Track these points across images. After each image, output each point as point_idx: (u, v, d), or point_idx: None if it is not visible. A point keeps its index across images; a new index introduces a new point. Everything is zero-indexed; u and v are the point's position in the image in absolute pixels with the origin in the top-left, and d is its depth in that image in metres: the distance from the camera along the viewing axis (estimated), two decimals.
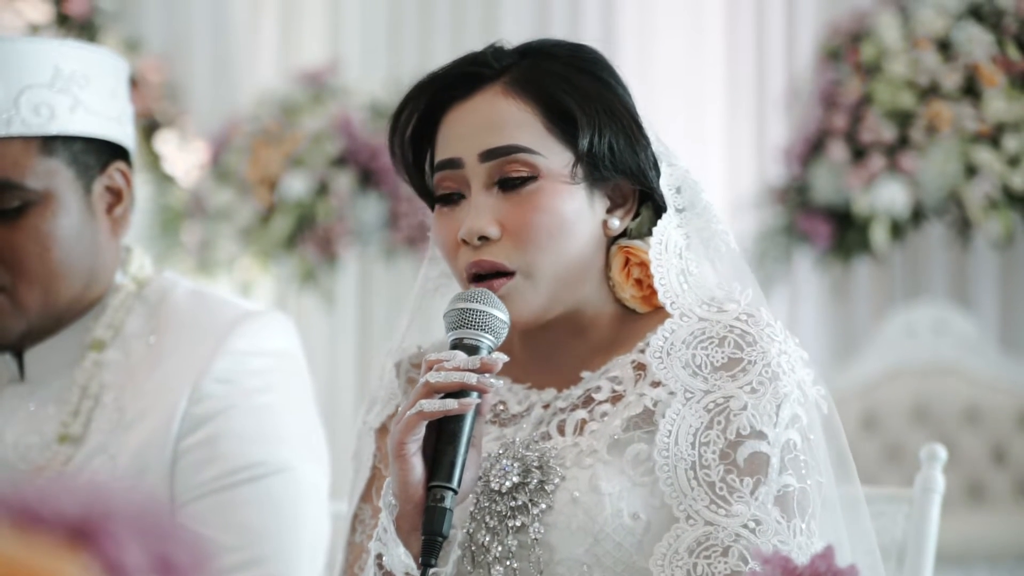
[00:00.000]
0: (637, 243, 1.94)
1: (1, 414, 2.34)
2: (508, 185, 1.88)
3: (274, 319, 2.37)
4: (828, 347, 6.18)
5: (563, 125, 1.89)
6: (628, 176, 1.92)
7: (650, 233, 1.93)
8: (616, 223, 1.93)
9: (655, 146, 1.94)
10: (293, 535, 2.27)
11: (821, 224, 5.81)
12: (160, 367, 2.30)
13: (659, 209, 1.94)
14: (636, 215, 1.95)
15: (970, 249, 5.89)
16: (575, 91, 1.90)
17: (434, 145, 1.94)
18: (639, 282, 1.94)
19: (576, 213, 1.89)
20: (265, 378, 2.31)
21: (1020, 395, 5.58)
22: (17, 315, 2.28)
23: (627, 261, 1.94)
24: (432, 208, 1.96)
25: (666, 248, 1.90)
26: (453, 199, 1.91)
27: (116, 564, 0.90)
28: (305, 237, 6.36)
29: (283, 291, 6.72)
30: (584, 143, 1.88)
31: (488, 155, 1.88)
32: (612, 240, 1.94)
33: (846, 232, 5.81)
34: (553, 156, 1.89)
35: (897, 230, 5.74)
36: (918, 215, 5.73)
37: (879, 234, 5.70)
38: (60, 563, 0.90)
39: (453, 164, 1.90)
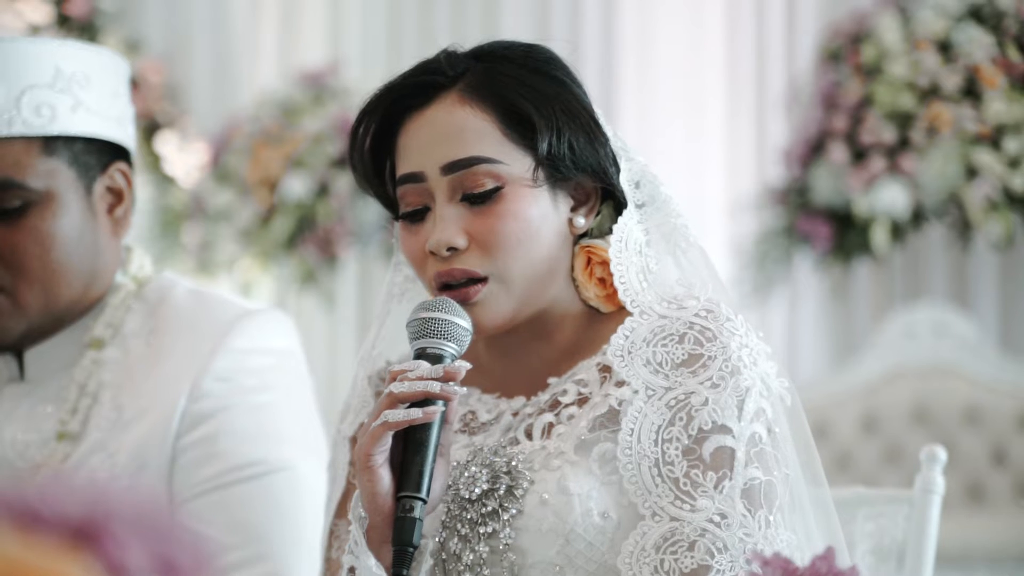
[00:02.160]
0: (598, 242, 1.94)
1: (1, 413, 2.35)
2: (474, 199, 1.88)
3: (273, 318, 2.38)
4: (828, 349, 6.18)
5: (521, 130, 1.89)
6: (589, 174, 1.92)
7: (611, 231, 1.93)
8: (581, 221, 1.93)
9: (613, 142, 1.94)
10: (292, 533, 2.27)
11: (821, 225, 5.81)
12: (159, 365, 2.30)
13: (620, 206, 1.94)
14: (598, 212, 1.96)
15: (970, 251, 5.89)
16: (531, 93, 1.90)
17: (393, 155, 1.94)
18: (602, 281, 1.94)
19: (542, 216, 1.89)
20: (264, 377, 2.32)
21: (1020, 396, 5.58)
22: (18, 315, 2.28)
23: (589, 261, 1.94)
24: (396, 218, 1.95)
25: (626, 246, 1.91)
26: (418, 214, 1.91)
27: (118, 564, 0.90)
28: (305, 238, 6.36)
29: (283, 292, 6.72)
30: (543, 146, 1.88)
31: (450, 168, 1.88)
32: (576, 239, 1.95)
33: (846, 234, 5.81)
34: (514, 162, 1.89)
35: (897, 232, 5.74)
36: (918, 217, 5.73)
37: (879, 236, 5.69)
38: (62, 563, 0.90)
39: (415, 178, 1.90)
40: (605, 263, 1.93)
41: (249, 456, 2.27)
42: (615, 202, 1.95)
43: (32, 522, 0.92)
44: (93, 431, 2.28)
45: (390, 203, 1.97)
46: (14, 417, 2.33)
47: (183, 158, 6.86)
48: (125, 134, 2.37)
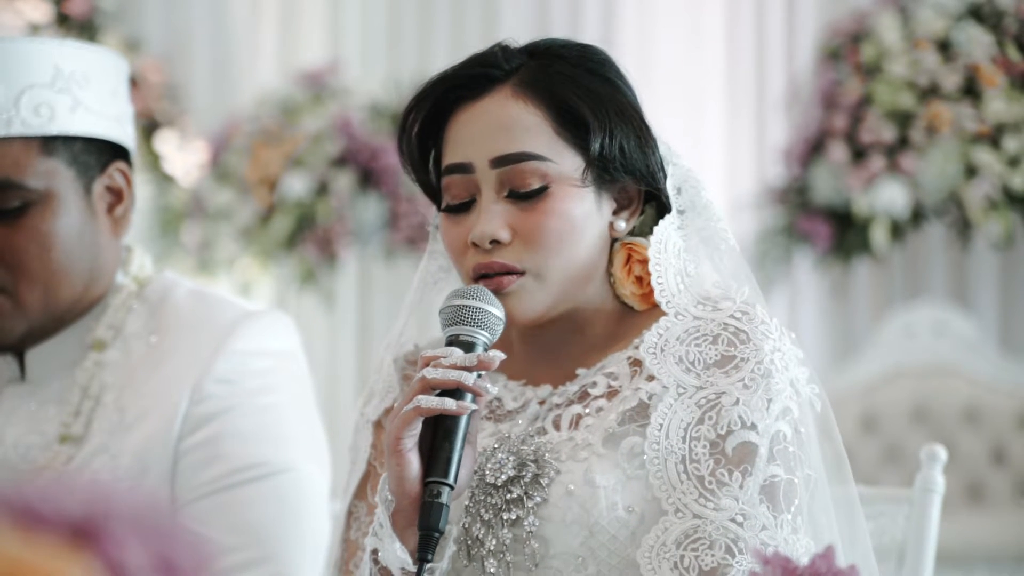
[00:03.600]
0: (640, 240, 1.95)
1: (2, 414, 2.35)
2: (520, 197, 1.88)
3: (275, 319, 2.37)
4: (828, 348, 6.18)
5: (574, 129, 1.89)
6: (637, 177, 1.93)
7: (652, 232, 1.93)
8: (622, 225, 1.94)
9: (659, 145, 1.95)
10: (295, 534, 2.27)
11: (821, 225, 5.81)
12: (161, 367, 2.30)
13: (662, 207, 1.95)
14: (640, 214, 1.96)
15: (970, 250, 5.89)
16: (585, 94, 1.90)
17: (440, 144, 1.94)
18: (639, 280, 1.94)
19: (585, 216, 1.90)
20: (266, 378, 2.31)
21: (1020, 396, 5.58)
22: (18, 315, 2.28)
23: (629, 258, 1.94)
24: (438, 206, 1.96)
25: (665, 248, 1.91)
26: (464, 205, 1.91)
27: (118, 564, 0.90)
28: (305, 237, 6.36)
29: (283, 291, 6.72)
30: (596, 147, 1.89)
31: (499, 161, 1.89)
32: (615, 239, 1.95)
33: (846, 233, 5.81)
34: (564, 161, 1.89)
35: (897, 231, 5.74)
36: (918, 216, 5.73)
37: (879, 235, 5.70)
38: (62, 563, 0.90)
39: (463, 168, 1.90)
40: (645, 262, 1.93)
41: (253, 457, 2.27)
42: (658, 203, 1.96)
43: (32, 521, 0.92)
44: (96, 433, 2.28)
45: (431, 191, 1.97)
46: (16, 419, 2.33)
47: (183, 157, 6.86)
48: (124, 133, 2.37)
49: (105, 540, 0.91)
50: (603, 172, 1.90)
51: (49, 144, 2.27)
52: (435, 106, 1.93)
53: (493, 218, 1.88)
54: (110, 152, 2.34)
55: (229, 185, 6.51)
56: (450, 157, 1.92)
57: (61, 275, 2.29)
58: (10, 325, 2.29)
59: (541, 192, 1.88)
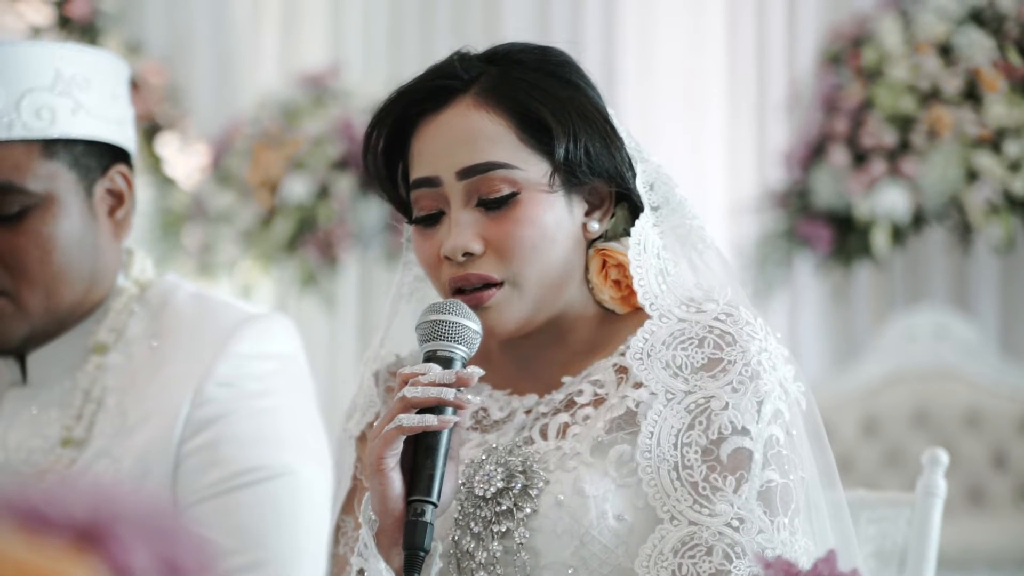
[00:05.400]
0: (613, 245, 1.94)
1: (4, 418, 2.35)
2: (489, 205, 1.88)
3: (276, 322, 2.37)
4: (829, 352, 6.18)
5: (538, 135, 1.88)
6: (605, 178, 1.92)
7: (626, 233, 1.92)
8: (596, 226, 1.93)
9: (627, 143, 1.94)
10: (295, 538, 2.27)
11: (822, 229, 5.81)
12: (162, 370, 2.30)
13: (634, 208, 1.94)
14: (612, 215, 1.95)
15: (971, 254, 5.89)
16: (547, 98, 1.89)
17: (407, 158, 1.94)
18: (617, 283, 1.94)
19: (557, 221, 1.89)
20: (267, 381, 2.31)
21: (1020, 400, 5.58)
22: (20, 319, 2.28)
23: (604, 263, 1.94)
24: (409, 220, 1.95)
25: (644, 249, 1.90)
26: (433, 218, 1.90)
27: (123, 566, 0.90)
28: (306, 240, 6.36)
29: (284, 294, 6.72)
30: (560, 152, 1.88)
31: (465, 173, 1.88)
32: (590, 242, 1.94)
33: (847, 237, 5.81)
34: (530, 167, 1.88)
35: (898, 235, 5.74)
36: (919, 220, 5.73)
37: (880, 239, 5.70)
38: (67, 566, 0.90)
39: (430, 183, 1.90)
40: (620, 265, 1.92)
41: (251, 461, 2.27)
42: (629, 204, 1.95)
43: (37, 524, 0.92)
44: (98, 437, 2.28)
45: (402, 206, 1.97)
46: (18, 422, 2.33)
47: (184, 160, 6.86)
48: (125, 136, 2.37)
49: (110, 543, 0.91)
50: (570, 176, 1.89)
51: (50, 147, 2.27)
52: (397, 122, 1.92)
53: (464, 230, 1.87)
54: (111, 155, 2.35)
55: (230, 188, 6.51)
56: (417, 172, 1.91)
57: (62, 278, 2.29)
58: (12, 328, 2.29)
59: (511, 199, 1.87)
